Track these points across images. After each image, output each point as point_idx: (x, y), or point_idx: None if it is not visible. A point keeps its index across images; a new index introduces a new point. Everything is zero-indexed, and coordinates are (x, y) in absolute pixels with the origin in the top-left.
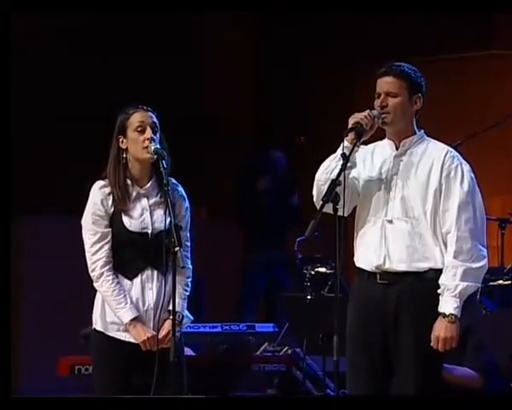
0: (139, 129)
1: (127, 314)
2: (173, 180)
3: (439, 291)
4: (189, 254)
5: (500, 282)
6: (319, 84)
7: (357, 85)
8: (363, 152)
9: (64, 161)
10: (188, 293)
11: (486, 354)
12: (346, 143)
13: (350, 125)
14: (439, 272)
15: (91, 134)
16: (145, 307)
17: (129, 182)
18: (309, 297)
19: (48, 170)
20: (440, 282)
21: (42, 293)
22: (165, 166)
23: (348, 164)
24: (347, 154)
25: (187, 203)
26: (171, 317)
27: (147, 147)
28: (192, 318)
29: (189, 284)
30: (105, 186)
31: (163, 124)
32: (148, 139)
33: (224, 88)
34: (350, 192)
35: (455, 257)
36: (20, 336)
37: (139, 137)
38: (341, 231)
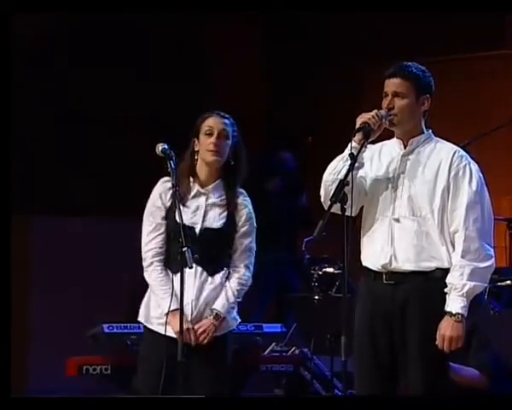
0: (207, 132)
1: (168, 305)
2: (241, 190)
3: (445, 290)
4: (250, 265)
5: (508, 282)
6: (327, 84)
7: (365, 85)
8: (370, 151)
9: (64, 161)
10: (239, 299)
11: (490, 354)
12: (353, 143)
13: (357, 126)
14: (445, 271)
15: (91, 135)
16: (184, 302)
17: (191, 179)
18: (316, 297)
19: (48, 170)
20: (447, 281)
21: (50, 293)
22: (172, 166)
23: (356, 164)
24: (355, 154)
25: (249, 213)
26: (210, 317)
27: (211, 151)
28: (239, 320)
29: (242, 291)
30: (167, 181)
31: (174, 124)
32: (212, 143)
33: (232, 89)
34: (357, 192)
35: (462, 256)
36: (28, 337)
37: (206, 140)
38: (349, 231)
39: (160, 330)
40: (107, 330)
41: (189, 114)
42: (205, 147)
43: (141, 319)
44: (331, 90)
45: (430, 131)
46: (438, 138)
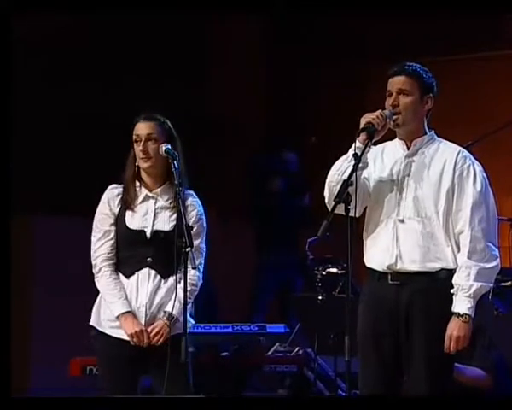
0: (136, 140)
1: (119, 308)
2: (189, 191)
3: (452, 291)
4: (200, 265)
5: (511, 283)
6: (331, 83)
7: (369, 85)
8: (373, 152)
9: (64, 161)
10: (190, 300)
11: (496, 354)
12: (357, 143)
13: (361, 126)
14: (450, 272)
15: (92, 134)
16: (137, 305)
17: (138, 184)
18: (320, 298)
19: (48, 170)
20: (454, 282)
21: (52, 293)
22: (176, 166)
23: (360, 164)
24: (359, 154)
25: (199, 214)
26: (164, 318)
27: (142, 158)
28: (193, 321)
29: (193, 292)
30: (115, 188)
31: (174, 124)
32: (140, 151)
33: (235, 88)
34: (361, 193)
35: (469, 257)
36: (29, 337)
37: (137, 148)
38: (353, 231)
39: (113, 333)
40: None
41: (189, 115)
42: (137, 154)
43: (92, 323)
44: (336, 89)
45: (433, 132)
46: (441, 139)
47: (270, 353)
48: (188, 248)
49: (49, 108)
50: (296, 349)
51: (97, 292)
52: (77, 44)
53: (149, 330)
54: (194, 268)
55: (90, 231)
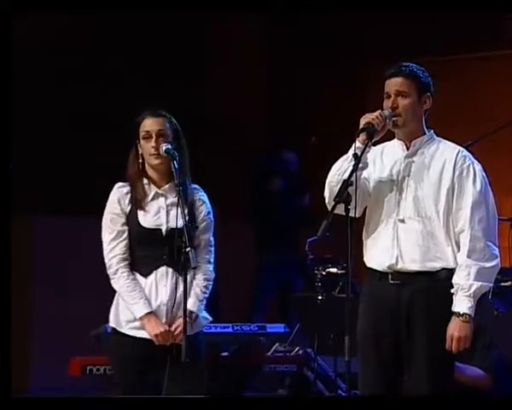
0: (145, 137)
1: (141, 309)
2: (195, 185)
3: (452, 291)
4: (211, 259)
5: (511, 283)
6: (331, 83)
7: (369, 85)
8: (372, 153)
9: (64, 160)
10: (206, 295)
11: (496, 353)
12: (357, 143)
13: (361, 126)
14: (451, 271)
15: (92, 134)
16: (157, 303)
17: (146, 181)
18: (320, 298)
19: (48, 170)
20: (454, 281)
21: (53, 293)
22: (176, 166)
23: (360, 164)
24: (359, 154)
25: (208, 208)
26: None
27: (153, 154)
28: (210, 318)
29: (209, 286)
30: (123, 186)
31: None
32: (152, 147)
33: (235, 88)
34: (361, 193)
35: (468, 256)
36: (31, 337)
37: (146, 145)
38: (353, 231)
39: (132, 333)
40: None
41: (189, 115)
42: (147, 151)
43: (111, 323)
44: (336, 89)
45: (432, 131)
46: (440, 138)
47: (270, 353)
48: (188, 249)
49: (49, 108)
50: (296, 349)
51: (98, 292)
52: (77, 44)
53: (173, 328)
54: (194, 268)
55: (90, 231)
